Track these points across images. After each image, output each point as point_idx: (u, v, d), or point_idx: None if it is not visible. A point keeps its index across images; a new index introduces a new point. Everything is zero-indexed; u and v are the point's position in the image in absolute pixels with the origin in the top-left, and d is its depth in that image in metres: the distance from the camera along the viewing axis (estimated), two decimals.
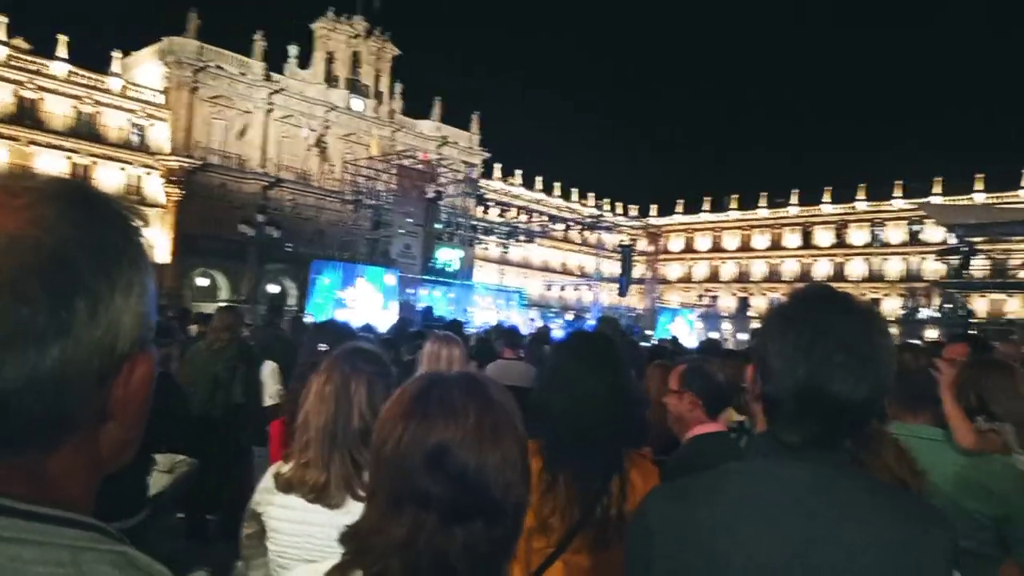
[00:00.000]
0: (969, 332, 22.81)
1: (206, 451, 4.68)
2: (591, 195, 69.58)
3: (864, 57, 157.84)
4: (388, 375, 2.09)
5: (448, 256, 31.69)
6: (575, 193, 68.85)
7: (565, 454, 2.08)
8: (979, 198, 54.13)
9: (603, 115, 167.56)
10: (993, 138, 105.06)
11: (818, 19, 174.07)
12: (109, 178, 39.45)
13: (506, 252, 41.51)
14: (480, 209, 39.28)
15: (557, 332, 25.64)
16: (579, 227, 41.74)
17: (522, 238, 38.58)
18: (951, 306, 33.23)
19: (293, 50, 46.98)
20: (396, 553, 0.99)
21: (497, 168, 61.45)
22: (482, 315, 31.17)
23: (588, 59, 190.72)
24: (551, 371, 2.24)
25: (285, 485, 2.02)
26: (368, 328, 11.04)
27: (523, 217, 38.40)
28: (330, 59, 48.64)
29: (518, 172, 64.30)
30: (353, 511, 1.90)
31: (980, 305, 35.61)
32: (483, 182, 42.62)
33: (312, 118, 46.95)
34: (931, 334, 36.51)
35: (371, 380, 2.03)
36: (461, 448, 0.99)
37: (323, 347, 2.81)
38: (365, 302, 23.71)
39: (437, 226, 31.80)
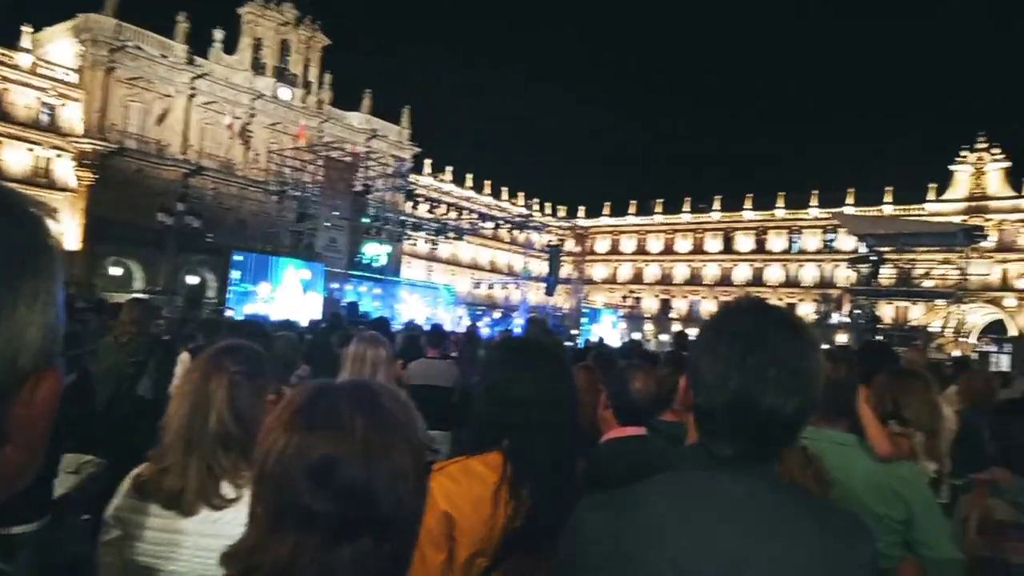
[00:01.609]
0: (877, 339, 24.01)
1: (113, 449, 4.49)
2: (521, 194, 69.91)
3: (785, 65, 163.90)
4: (259, 375, 1.95)
5: (375, 251, 31.29)
6: (505, 192, 69.05)
7: (513, 463, 2.04)
8: (888, 209, 56.90)
9: (536, 115, 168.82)
10: (902, 151, 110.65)
11: (752, 24, 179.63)
12: (15, 159, 37.41)
13: (435, 249, 41.28)
14: (409, 204, 38.87)
15: (484, 330, 25.66)
16: (508, 226, 41.84)
17: (451, 235, 38.40)
18: (860, 312, 34.86)
19: (218, 34, 45.50)
20: (280, 574, 0.93)
21: (427, 164, 61.13)
22: (409, 311, 30.92)
23: (521, 59, 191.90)
24: (496, 378, 2.17)
25: (141, 490, 1.88)
26: (288, 324, 10.76)
27: (453, 214, 38.19)
28: (257, 46, 47.32)
29: (448, 168, 64.10)
30: (220, 520, 1.81)
31: (887, 311, 37.45)
32: (413, 177, 42.15)
33: (237, 105, 45.57)
34: (841, 338, 38.18)
35: (234, 380, 1.88)
36: (348, 462, 0.94)
37: None
38: (285, 296, 23.24)
39: (364, 220, 31.35)
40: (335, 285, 27.07)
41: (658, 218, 71.44)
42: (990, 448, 2.94)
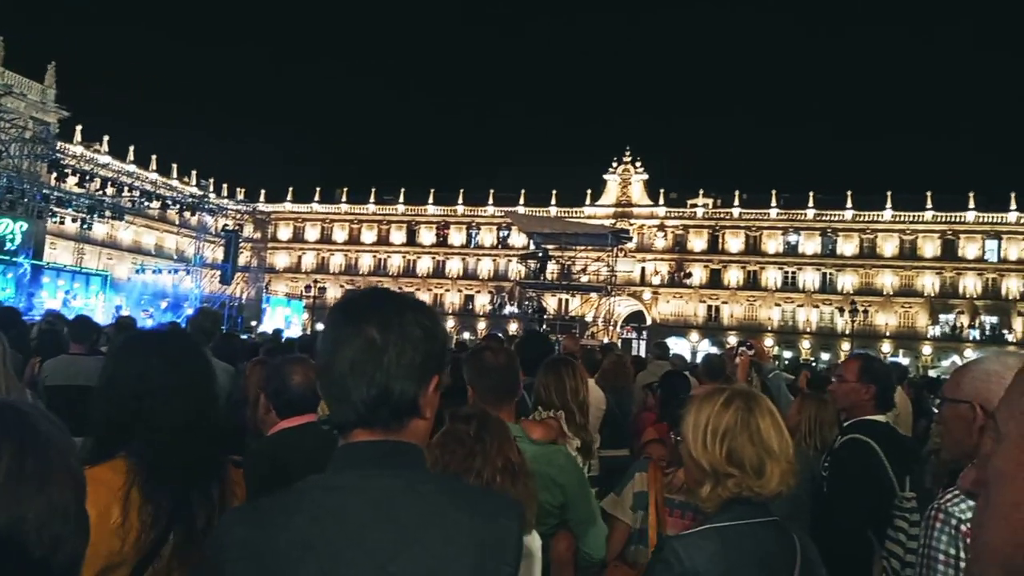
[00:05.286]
0: (536, 329, 26.34)
1: None
2: (194, 173, 64.50)
3: (474, 72, 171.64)
4: None
5: (7, 229, 26.71)
6: (175, 169, 63.30)
7: (149, 467, 1.90)
8: (553, 211, 63.13)
9: (214, 88, 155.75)
10: (569, 156, 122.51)
11: (447, 29, 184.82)
12: None
13: (87, 229, 36.31)
14: (54, 176, 33.60)
15: (148, 321, 23.32)
16: (178, 207, 38.37)
17: (108, 214, 34.14)
18: (528, 303, 38.18)
19: None
20: None
21: (79, 131, 53.59)
22: (54, 301, 26.98)
23: (202, 26, 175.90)
24: (114, 375, 2.00)
25: None
26: None
27: (111, 190, 33.94)
28: None
29: (106, 138, 56.90)
30: None
31: (552, 303, 41.44)
32: (60, 145, 36.53)
33: None
34: (513, 328, 41.44)
35: None
36: None
37: None
38: None
39: None
40: None
41: (344, 207, 71.14)
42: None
